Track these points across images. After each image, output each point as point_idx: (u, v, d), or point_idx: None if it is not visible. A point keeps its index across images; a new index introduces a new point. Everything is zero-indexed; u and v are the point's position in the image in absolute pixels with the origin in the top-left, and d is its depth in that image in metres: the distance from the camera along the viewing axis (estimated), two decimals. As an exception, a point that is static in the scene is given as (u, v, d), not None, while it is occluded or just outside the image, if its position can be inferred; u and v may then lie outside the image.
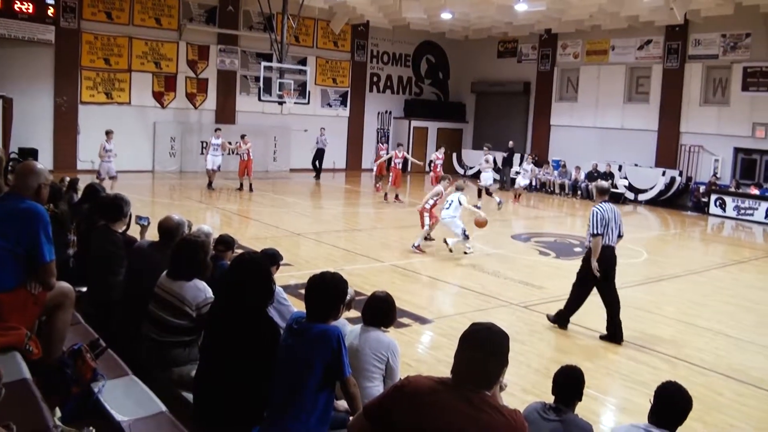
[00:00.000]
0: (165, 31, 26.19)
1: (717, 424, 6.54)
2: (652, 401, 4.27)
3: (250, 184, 22.14)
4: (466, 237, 13.88)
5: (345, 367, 4.08)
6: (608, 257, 9.02)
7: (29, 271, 4.33)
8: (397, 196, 21.73)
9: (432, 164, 23.80)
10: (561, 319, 9.42)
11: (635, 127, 27.02)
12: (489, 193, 21.88)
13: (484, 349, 3.04)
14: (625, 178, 25.66)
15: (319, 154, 27.80)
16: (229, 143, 22.37)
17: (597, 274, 8.94)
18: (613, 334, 8.95)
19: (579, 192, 25.91)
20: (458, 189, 14.40)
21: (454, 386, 3.01)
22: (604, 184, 9.93)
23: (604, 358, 8.29)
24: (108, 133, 19.05)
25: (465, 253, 14.02)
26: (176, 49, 26.53)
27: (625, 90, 27.71)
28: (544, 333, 9.22)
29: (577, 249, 15.16)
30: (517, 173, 25.58)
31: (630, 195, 25.39)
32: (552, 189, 26.84)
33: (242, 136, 22.42)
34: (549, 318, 9.53)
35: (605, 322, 9.06)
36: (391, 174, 22.09)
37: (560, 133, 30.02)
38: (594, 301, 10.68)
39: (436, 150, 24.79)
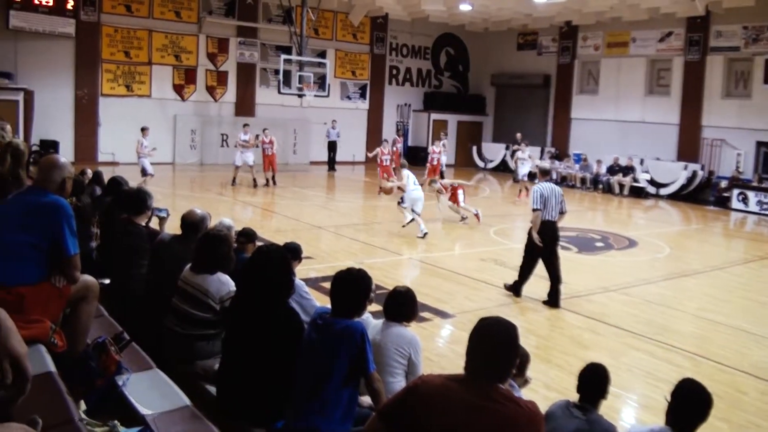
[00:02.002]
0: (184, 24, 26.26)
1: (741, 423, 6.47)
2: (668, 399, 4.13)
3: (273, 177, 22.07)
4: (405, 208, 15.28)
5: (369, 362, 4.08)
6: (550, 230, 10.09)
7: (53, 264, 4.32)
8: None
9: (429, 157, 23.46)
10: (515, 288, 10.44)
11: (656, 121, 26.68)
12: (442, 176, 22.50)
13: (493, 342, 3.07)
14: (647, 172, 25.36)
15: (332, 147, 27.80)
16: (256, 137, 22.20)
17: (539, 244, 10.05)
18: (554, 300, 10.08)
19: (600, 186, 25.66)
20: (403, 166, 16.33)
21: (467, 381, 3.03)
22: (545, 165, 11.45)
23: (626, 354, 8.22)
24: (143, 129, 19.15)
25: (403, 226, 15.21)
26: (196, 42, 26.61)
27: (645, 83, 27.40)
28: (566, 328, 9.17)
29: (599, 244, 15.10)
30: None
31: (651, 189, 25.04)
32: (573, 183, 26.64)
33: (264, 130, 22.35)
34: (505, 286, 10.63)
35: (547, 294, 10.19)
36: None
37: (581, 126, 29.77)
38: (617, 298, 10.68)
39: (434, 143, 24.31)
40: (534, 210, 10.05)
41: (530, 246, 10.26)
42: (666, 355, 8.27)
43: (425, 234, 14.72)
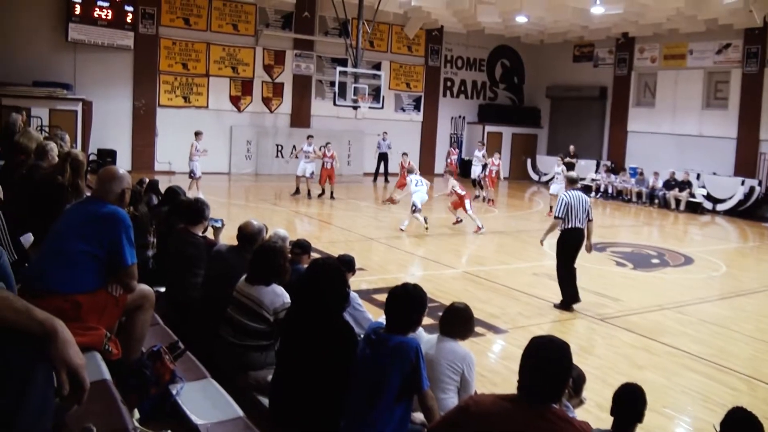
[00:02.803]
0: (242, 37, 26.57)
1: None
2: (717, 429, 3.94)
3: (332, 192, 22.10)
4: (418, 210, 16.45)
5: (423, 380, 4.06)
6: (575, 237, 10.46)
7: (110, 273, 4.38)
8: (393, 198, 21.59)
9: (488, 169, 23.39)
10: (565, 303, 10.49)
11: (713, 134, 26.09)
12: (480, 184, 24.08)
13: (546, 361, 3.05)
14: (703, 187, 24.80)
15: (382, 159, 27.85)
16: (319, 148, 22.24)
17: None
18: (564, 302, 10.50)
19: (656, 201, 25.19)
20: (410, 172, 17.64)
21: (520, 401, 3.01)
22: (573, 174, 11.71)
23: (681, 375, 8.02)
24: (197, 134, 19.61)
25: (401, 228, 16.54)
26: (253, 54, 26.90)
27: (703, 95, 26.86)
28: (620, 347, 8.99)
29: (655, 260, 14.86)
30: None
31: (708, 205, 24.45)
32: (629, 197, 26.25)
33: (326, 144, 22.39)
34: (555, 306, 10.59)
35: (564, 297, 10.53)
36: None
37: (637, 139, 29.24)
38: (671, 316, 10.49)
39: (491, 156, 24.15)
40: (555, 218, 10.56)
41: (559, 253, 10.63)
42: (722, 377, 8.05)
43: (403, 230, 16.41)
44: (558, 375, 3.05)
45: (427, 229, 16.35)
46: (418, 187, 16.59)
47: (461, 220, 17.42)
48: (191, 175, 19.26)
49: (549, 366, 3.03)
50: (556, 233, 10.82)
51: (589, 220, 10.54)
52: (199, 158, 19.36)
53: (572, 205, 10.34)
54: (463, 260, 13.98)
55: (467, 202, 16.94)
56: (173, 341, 4.81)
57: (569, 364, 3.10)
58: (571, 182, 11.15)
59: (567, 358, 3.08)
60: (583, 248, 10.63)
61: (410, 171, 17.80)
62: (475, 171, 24.89)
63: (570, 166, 26.05)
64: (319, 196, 21.97)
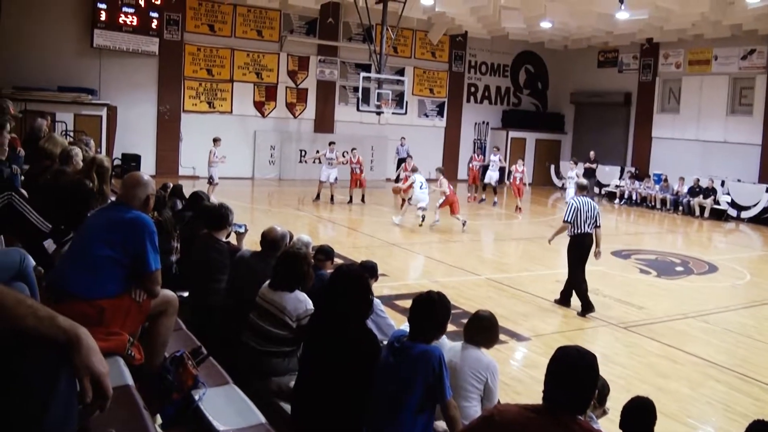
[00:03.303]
0: (266, 43, 26.70)
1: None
2: None
3: (363, 196, 22.17)
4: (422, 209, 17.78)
5: (446, 389, 4.04)
6: (583, 243, 10.68)
7: (134, 278, 4.39)
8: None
9: (512, 176, 23.37)
10: (585, 308, 10.58)
11: (738, 141, 25.83)
12: (494, 190, 24.67)
13: (573, 372, 3.01)
14: (728, 194, 24.55)
15: (402, 164, 27.80)
16: (343, 154, 22.32)
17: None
18: (565, 300, 10.99)
19: (681, 207, 24.92)
20: (415, 171, 18.69)
21: (546, 412, 2.97)
22: (584, 181, 12.25)
23: (705, 385, 7.94)
24: (216, 140, 19.67)
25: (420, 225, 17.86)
26: (277, 60, 27.00)
27: (727, 101, 26.59)
28: (645, 356, 8.90)
29: (679, 268, 14.73)
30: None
31: (733, 212, 24.16)
32: (653, 204, 26.03)
33: (352, 149, 22.50)
34: (578, 314, 10.60)
35: (578, 299, 10.75)
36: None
37: (662, 145, 29.02)
38: (695, 325, 10.39)
39: (514, 162, 24.03)
40: (564, 221, 10.80)
41: (570, 257, 10.87)
42: (746, 388, 7.95)
43: (421, 224, 17.69)
44: (584, 386, 3.02)
45: (420, 225, 17.82)
46: (422, 190, 17.46)
47: (465, 222, 17.87)
48: (210, 180, 19.43)
49: (575, 377, 2.99)
50: (566, 240, 10.86)
51: (597, 227, 10.69)
52: (218, 164, 19.50)
53: (581, 211, 10.58)
54: (486, 267, 13.90)
55: (441, 200, 17.93)
56: (196, 346, 4.80)
57: (596, 375, 3.06)
58: (580, 189, 11.54)
59: (594, 370, 3.04)
60: (591, 255, 10.77)
61: (414, 170, 18.53)
62: (492, 176, 24.72)
63: (590, 172, 26.16)
64: (349, 202, 21.99)
